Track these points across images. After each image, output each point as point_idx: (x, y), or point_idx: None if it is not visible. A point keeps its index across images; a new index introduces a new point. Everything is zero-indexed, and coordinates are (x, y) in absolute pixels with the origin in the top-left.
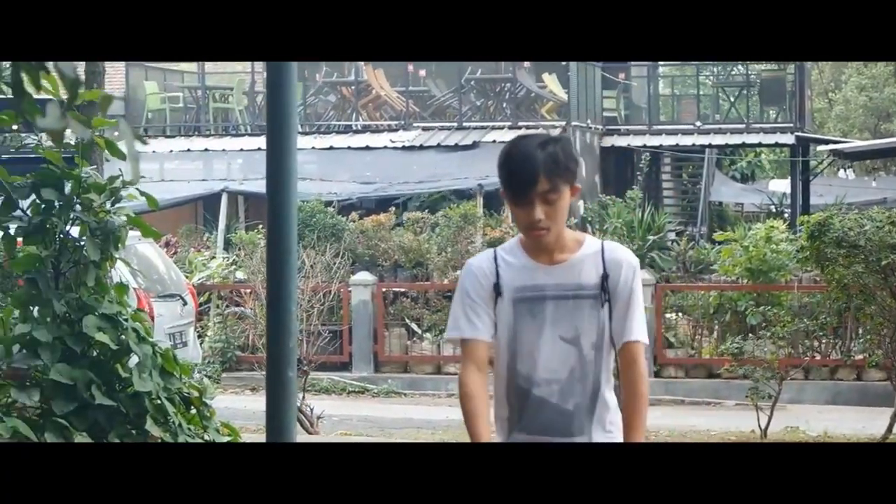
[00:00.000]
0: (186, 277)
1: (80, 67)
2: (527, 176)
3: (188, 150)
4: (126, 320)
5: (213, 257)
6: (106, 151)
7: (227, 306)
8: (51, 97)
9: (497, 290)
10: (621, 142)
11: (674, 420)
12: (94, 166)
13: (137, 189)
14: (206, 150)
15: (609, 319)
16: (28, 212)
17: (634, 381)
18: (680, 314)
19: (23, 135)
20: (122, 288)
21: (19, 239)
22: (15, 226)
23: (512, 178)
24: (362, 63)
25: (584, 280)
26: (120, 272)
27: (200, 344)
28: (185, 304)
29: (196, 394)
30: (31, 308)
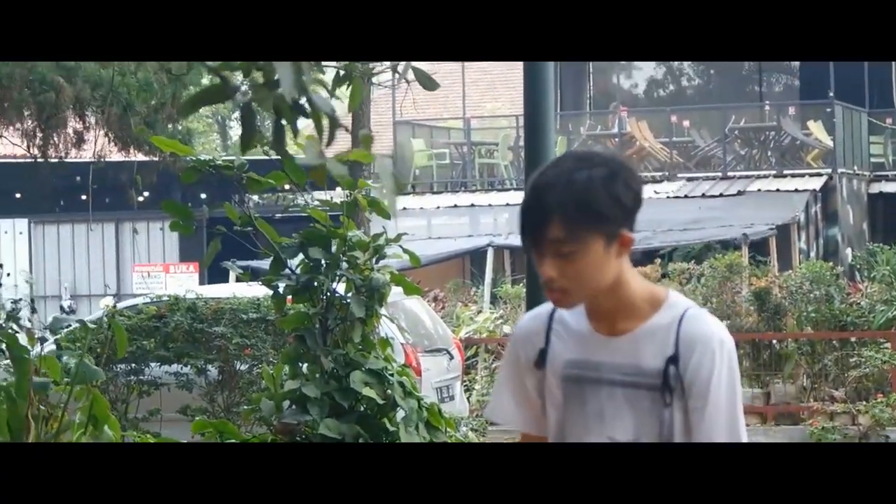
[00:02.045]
0: (453, 332)
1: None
2: (534, 216)
3: (455, 205)
4: (392, 375)
5: (480, 311)
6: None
7: (493, 360)
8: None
9: (542, 360)
10: (890, 188)
11: None
12: (361, 227)
13: (401, 247)
14: (472, 205)
15: (683, 423)
16: (296, 270)
17: None
18: None
19: (291, 195)
20: (387, 343)
21: (289, 297)
22: (284, 284)
23: (521, 216)
24: (625, 114)
25: (646, 362)
26: (386, 328)
27: (468, 398)
28: (451, 358)
29: None
30: (301, 364)
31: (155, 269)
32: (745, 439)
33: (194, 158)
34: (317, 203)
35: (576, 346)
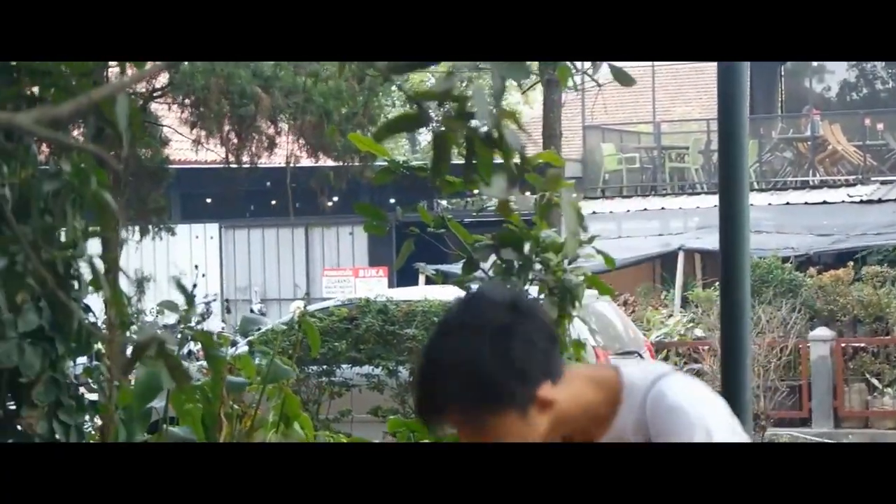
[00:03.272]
0: (644, 335)
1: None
2: (428, 405)
3: (644, 209)
4: None
5: (671, 315)
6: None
7: (684, 363)
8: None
9: None
10: None
11: None
12: (554, 228)
13: (595, 248)
14: (662, 209)
15: None
16: (489, 272)
17: None
18: None
19: (484, 197)
20: (580, 345)
21: None
22: (476, 286)
23: (414, 395)
24: (818, 118)
25: None
26: (578, 330)
27: None
28: (643, 360)
29: None
30: None
31: (344, 273)
32: None
33: (389, 160)
34: (513, 206)
35: None
